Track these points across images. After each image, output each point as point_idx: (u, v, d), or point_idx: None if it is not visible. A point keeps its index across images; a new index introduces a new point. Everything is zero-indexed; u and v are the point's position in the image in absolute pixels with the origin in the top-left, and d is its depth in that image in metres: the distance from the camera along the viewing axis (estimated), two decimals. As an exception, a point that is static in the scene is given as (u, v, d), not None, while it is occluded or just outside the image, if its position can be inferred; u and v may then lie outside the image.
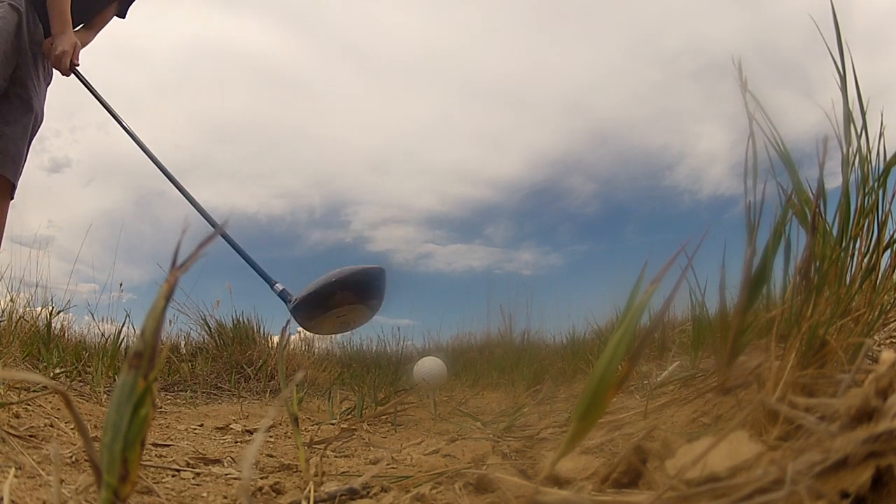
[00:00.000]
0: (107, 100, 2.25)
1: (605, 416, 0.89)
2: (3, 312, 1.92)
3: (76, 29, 2.35)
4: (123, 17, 2.52)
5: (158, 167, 2.13)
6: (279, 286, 1.88)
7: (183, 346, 3.15)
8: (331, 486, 0.72)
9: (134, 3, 2.51)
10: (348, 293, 1.61)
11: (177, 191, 2.13)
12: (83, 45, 2.37)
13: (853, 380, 0.56)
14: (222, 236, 1.92)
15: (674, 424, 0.84)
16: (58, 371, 1.66)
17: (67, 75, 2.25)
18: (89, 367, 1.84)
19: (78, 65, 2.22)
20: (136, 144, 2.17)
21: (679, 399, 0.94)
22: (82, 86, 2.27)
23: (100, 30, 2.45)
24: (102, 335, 2.42)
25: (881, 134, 0.78)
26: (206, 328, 3.06)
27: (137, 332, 0.46)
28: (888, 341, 1.00)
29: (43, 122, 2.34)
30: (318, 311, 1.66)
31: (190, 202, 2.04)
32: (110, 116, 2.22)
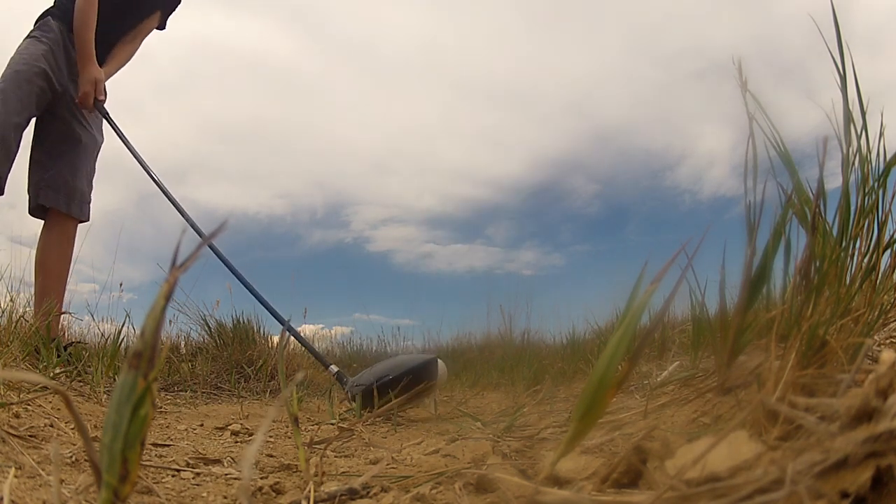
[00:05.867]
0: (128, 137, 2.30)
1: (605, 416, 0.89)
2: (3, 312, 1.92)
3: (121, 40, 2.39)
4: (163, 28, 2.53)
5: (181, 213, 2.20)
6: (334, 368, 2.00)
7: (183, 346, 3.15)
8: (331, 486, 0.72)
9: (173, 14, 2.53)
10: (402, 390, 1.68)
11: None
12: (122, 63, 2.42)
13: (853, 380, 0.56)
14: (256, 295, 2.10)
15: (674, 424, 0.84)
16: (58, 371, 1.66)
17: (91, 111, 2.30)
18: (89, 367, 1.84)
19: (103, 100, 2.26)
20: (157, 186, 2.22)
21: (679, 399, 0.94)
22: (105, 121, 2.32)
23: (142, 40, 2.48)
24: (102, 335, 2.42)
25: (881, 134, 0.78)
26: (206, 328, 3.06)
27: (137, 332, 0.46)
28: (888, 341, 1.00)
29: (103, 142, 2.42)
30: (371, 402, 1.73)
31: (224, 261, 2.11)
32: (129, 151, 2.27)
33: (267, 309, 2.09)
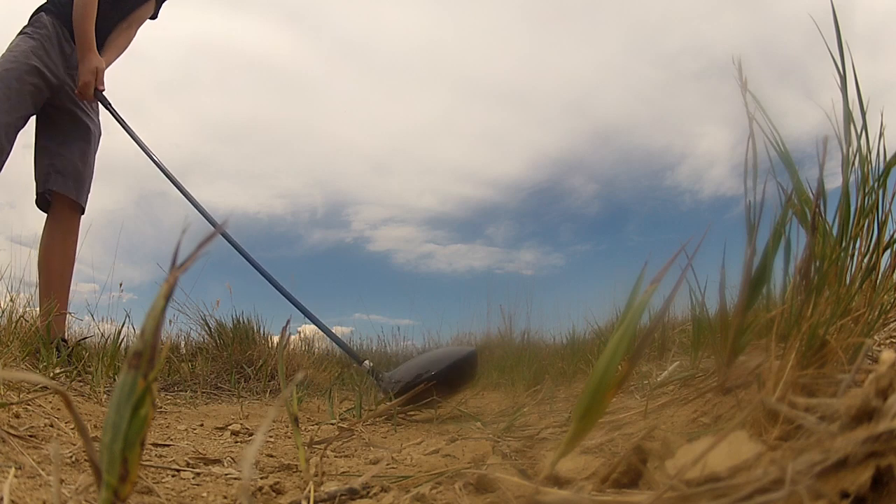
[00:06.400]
0: (129, 124, 2.27)
1: (605, 416, 0.89)
2: (2, 312, 1.92)
3: (116, 28, 2.37)
4: (156, 17, 2.52)
5: (191, 202, 2.14)
6: (368, 364, 1.88)
7: (183, 346, 3.15)
8: (331, 486, 0.72)
9: (165, 3, 2.51)
10: (437, 386, 1.60)
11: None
12: (120, 51, 2.41)
13: (853, 380, 0.56)
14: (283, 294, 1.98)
15: (674, 424, 0.84)
16: (58, 371, 1.66)
17: (92, 101, 2.29)
18: (89, 367, 1.84)
19: (103, 90, 2.24)
20: (164, 175, 2.17)
21: (679, 399, 0.94)
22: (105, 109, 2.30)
23: (137, 28, 2.47)
24: (102, 335, 2.42)
25: (881, 134, 0.78)
26: (206, 328, 3.06)
27: (137, 332, 0.46)
28: (888, 341, 1.00)
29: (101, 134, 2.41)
30: (412, 399, 1.62)
31: (241, 253, 2.03)
32: (133, 140, 2.23)
33: (289, 300, 1.99)
